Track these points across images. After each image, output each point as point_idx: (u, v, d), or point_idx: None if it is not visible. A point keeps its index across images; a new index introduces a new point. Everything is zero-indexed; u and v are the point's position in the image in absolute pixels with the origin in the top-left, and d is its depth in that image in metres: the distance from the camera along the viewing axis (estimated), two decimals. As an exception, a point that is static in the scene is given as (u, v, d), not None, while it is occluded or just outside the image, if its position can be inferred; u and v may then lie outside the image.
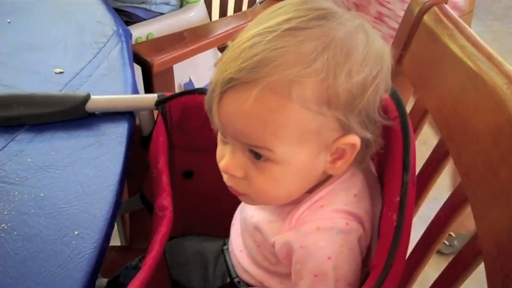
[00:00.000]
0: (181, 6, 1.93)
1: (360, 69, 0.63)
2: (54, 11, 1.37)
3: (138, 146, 0.98)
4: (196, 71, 1.87)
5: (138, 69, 1.44)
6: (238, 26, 1.64)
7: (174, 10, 1.89)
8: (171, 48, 1.49)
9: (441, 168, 0.80)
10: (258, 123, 0.62)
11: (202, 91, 0.92)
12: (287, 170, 0.66)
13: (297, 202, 0.70)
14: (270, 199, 0.71)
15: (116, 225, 1.27)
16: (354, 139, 0.65)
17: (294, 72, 0.60)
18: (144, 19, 1.82)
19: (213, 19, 2.01)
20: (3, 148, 0.88)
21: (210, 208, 1.02)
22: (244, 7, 1.92)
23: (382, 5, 1.68)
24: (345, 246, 0.67)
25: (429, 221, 0.79)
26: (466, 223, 0.88)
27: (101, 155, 0.88)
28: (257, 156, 0.65)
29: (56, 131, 0.92)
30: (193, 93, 0.93)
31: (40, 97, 0.95)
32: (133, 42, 1.52)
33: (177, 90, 1.66)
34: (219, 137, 0.71)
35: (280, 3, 0.67)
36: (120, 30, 1.25)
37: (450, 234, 1.82)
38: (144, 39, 1.71)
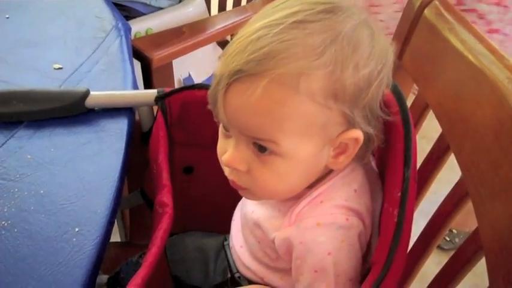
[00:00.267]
0: (180, 1, 1.92)
1: (366, 63, 0.63)
2: (52, 7, 1.36)
3: (138, 142, 0.98)
4: (195, 66, 1.87)
5: (137, 64, 1.43)
6: (237, 21, 1.64)
7: (173, 5, 1.88)
8: (170, 43, 1.48)
9: (442, 163, 0.80)
10: (265, 116, 0.62)
11: (202, 86, 0.91)
12: (291, 163, 0.65)
13: (297, 198, 0.70)
14: (272, 193, 0.70)
15: (116, 221, 1.28)
16: (358, 134, 0.65)
17: (302, 65, 0.60)
18: (144, 14, 1.81)
19: (212, 14, 2.00)
20: (2, 145, 0.88)
21: (211, 204, 1.02)
22: (244, 2, 1.92)
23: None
24: (345, 241, 0.67)
25: (429, 215, 0.79)
26: (467, 222, 0.88)
27: (101, 151, 0.87)
28: (261, 149, 0.65)
29: (56, 127, 0.92)
30: (193, 88, 0.93)
31: (39, 93, 0.95)
32: (132, 37, 1.51)
33: (176, 86, 1.66)
34: (221, 131, 0.70)
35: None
36: (119, 25, 1.25)
37: (451, 231, 1.83)
38: (143, 34, 1.70)
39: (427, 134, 0.80)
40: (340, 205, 0.68)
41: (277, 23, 0.61)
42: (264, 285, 0.78)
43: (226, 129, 0.68)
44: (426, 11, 0.85)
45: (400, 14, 0.92)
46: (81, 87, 0.96)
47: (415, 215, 0.81)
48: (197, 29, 1.60)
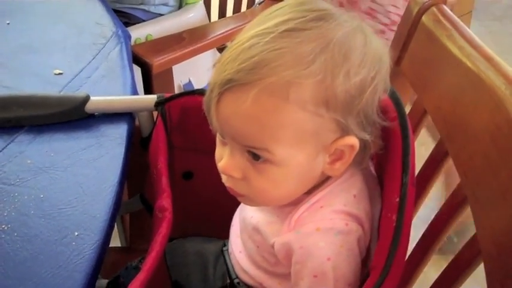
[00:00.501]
0: (180, 7, 1.93)
1: (358, 70, 0.63)
2: (53, 13, 1.37)
3: (138, 147, 0.99)
4: (195, 72, 1.87)
5: (137, 70, 1.44)
6: (237, 27, 1.64)
7: (173, 11, 1.89)
8: (170, 49, 1.49)
9: (440, 169, 0.80)
10: (256, 125, 0.62)
11: (201, 92, 0.92)
12: (286, 171, 0.66)
13: (296, 203, 0.70)
14: (269, 200, 0.71)
15: (116, 226, 1.28)
16: (353, 140, 0.66)
17: (292, 74, 0.60)
18: (144, 20, 1.82)
19: (212, 20, 2.01)
20: (3, 149, 0.88)
21: (210, 209, 1.02)
22: (243, 8, 1.93)
23: (373, 1, 1.69)
24: (344, 246, 0.67)
25: (429, 221, 0.79)
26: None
27: (101, 156, 0.88)
28: (256, 157, 0.65)
29: (56, 132, 0.92)
30: (192, 94, 0.93)
31: (39, 98, 0.95)
32: (132, 43, 1.52)
33: (176, 91, 1.66)
34: (218, 138, 0.71)
35: (279, 5, 0.67)
36: (119, 32, 1.25)
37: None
38: (143, 40, 1.71)
39: (427, 140, 0.81)
40: (339, 210, 0.68)
41: (268, 31, 0.62)
42: None
43: (221, 136, 0.69)
44: (424, 18, 0.85)
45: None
46: (81, 93, 0.97)
47: (415, 220, 0.81)
48: (197, 35, 1.61)
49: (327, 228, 0.67)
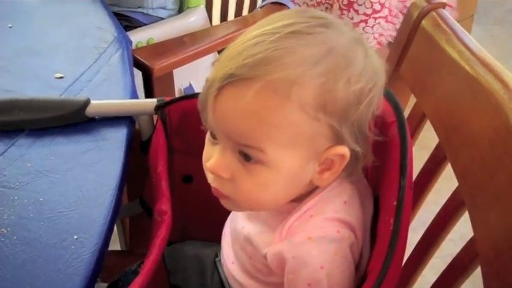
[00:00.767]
0: (180, 11, 1.93)
1: (358, 79, 0.64)
2: (55, 16, 1.37)
3: (138, 150, 0.99)
4: (196, 75, 1.87)
5: (138, 74, 1.44)
6: (238, 31, 1.65)
7: (172, 14, 1.89)
8: (171, 53, 1.49)
9: (439, 173, 0.80)
10: (254, 121, 0.62)
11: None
12: (275, 174, 0.65)
13: (286, 212, 0.70)
14: (254, 203, 0.69)
15: (116, 229, 1.28)
16: (344, 150, 0.65)
17: (296, 73, 0.60)
18: (144, 23, 1.82)
19: (213, 24, 2.01)
20: (3, 153, 0.88)
21: (210, 213, 1.02)
22: (245, 12, 1.93)
23: None
24: (338, 254, 0.67)
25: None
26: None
27: (101, 160, 0.88)
28: (247, 157, 0.65)
29: (56, 135, 0.93)
30: (192, 97, 0.93)
31: (40, 102, 0.96)
32: (133, 47, 1.52)
33: (177, 95, 1.66)
34: (208, 138, 0.70)
35: (281, 11, 0.67)
36: (121, 37, 1.25)
37: None
38: (144, 44, 1.71)
39: (429, 144, 0.81)
40: (330, 218, 0.68)
41: (274, 31, 0.62)
42: None
43: (213, 135, 0.68)
44: (424, 22, 0.86)
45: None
46: (81, 96, 0.97)
47: (414, 224, 0.82)
48: (198, 39, 1.61)
49: (319, 236, 0.67)
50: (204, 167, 0.71)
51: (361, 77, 0.64)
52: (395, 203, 0.65)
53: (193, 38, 1.61)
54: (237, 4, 1.91)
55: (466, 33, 0.79)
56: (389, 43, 1.98)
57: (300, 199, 0.70)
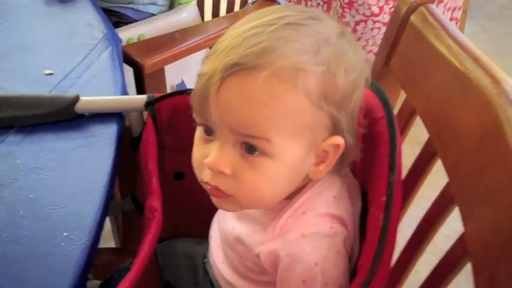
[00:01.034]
0: (171, 7, 1.93)
1: (353, 69, 0.65)
2: (44, 13, 1.37)
3: (130, 147, 0.98)
4: (188, 72, 1.87)
5: (130, 70, 1.44)
6: (229, 27, 1.64)
7: (162, 10, 1.89)
8: (162, 49, 1.49)
9: (429, 168, 0.80)
10: (262, 110, 0.61)
11: (191, 92, 0.91)
12: (280, 165, 0.65)
13: (278, 210, 0.70)
14: (257, 199, 0.68)
15: (111, 227, 1.28)
16: (340, 140, 0.66)
17: (301, 60, 0.61)
18: (135, 19, 1.82)
19: (205, 20, 2.01)
20: (-8, 150, 0.88)
21: (202, 209, 1.01)
22: (237, 8, 1.93)
23: None
24: (331, 249, 0.67)
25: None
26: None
27: (90, 157, 0.88)
28: (251, 150, 0.63)
29: (46, 132, 0.92)
30: (183, 93, 0.92)
31: (29, 98, 0.95)
32: (124, 43, 1.52)
33: (169, 91, 1.66)
34: (199, 137, 0.69)
35: (269, 7, 0.68)
36: (110, 34, 1.25)
37: None
38: (135, 40, 1.71)
39: (422, 140, 0.81)
40: (323, 213, 0.68)
41: (270, 23, 0.62)
42: None
43: (208, 132, 0.66)
44: (413, 17, 0.86)
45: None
46: (71, 93, 0.96)
47: (406, 220, 0.82)
48: (189, 35, 1.61)
49: (312, 233, 0.67)
50: (194, 167, 0.70)
51: (355, 67, 0.65)
52: (384, 198, 0.65)
53: (185, 34, 1.61)
54: (228, 0, 1.91)
55: (455, 27, 0.79)
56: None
57: (290, 197, 0.70)
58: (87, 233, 0.74)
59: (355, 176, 0.77)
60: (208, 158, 0.65)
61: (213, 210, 0.85)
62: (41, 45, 1.21)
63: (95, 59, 1.14)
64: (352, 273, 0.69)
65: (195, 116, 0.68)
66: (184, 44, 1.54)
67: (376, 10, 1.81)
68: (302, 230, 0.67)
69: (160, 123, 0.94)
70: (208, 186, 0.68)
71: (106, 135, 0.92)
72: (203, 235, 0.95)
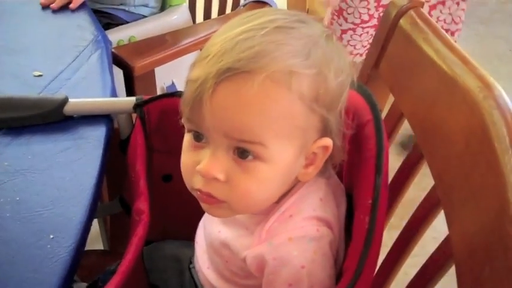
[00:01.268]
0: (163, 9, 1.93)
1: (341, 70, 0.66)
2: (34, 15, 1.37)
3: (118, 149, 0.98)
4: (179, 74, 1.86)
5: (120, 72, 1.43)
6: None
7: (154, 12, 1.89)
8: (153, 51, 1.48)
9: (416, 171, 0.80)
10: (257, 115, 0.61)
11: (181, 94, 0.90)
12: (274, 169, 0.64)
13: (265, 214, 0.70)
14: (251, 203, 0.67)
15: (99, 229, 1.28)
16: (329, 142, 0.67)
17: (294, 64, 0.61)
18: (126, 21, 1.82)
19: (197, 22, 2.01)
20: (-20, 152, 0.88)
21: (190, 211, 1.01)
22: (228, 10, 1.93)
23: (344, 1, 1.75)
24: (318, 252, 0.67)
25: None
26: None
27: (78, 159, 0.88)
28: (244, 155, 0.63)
29: (34, 134, 0.92)
30: (172, 96, 0.92)
31: (18, 100, 0.95)
32: (115, 45, 1.52)
33: (159, 93, 1.65)
34: (188, 143, 0.68)
35: (256, 10, 0.68)
36: (100, 36, 1.25)
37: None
38: (126, 42, 1.70)
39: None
40: (309, 217, 0.68)
41: (260, 27, 0.62)
42: None
43: (198, 138, 0.66)
44: (402, 21, 0.86)
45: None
46: (59, 95, 0.96)
47: (393, 222, 0.82)
48: (180, 37, 1.60)
49: (299, 236, 0.67)
50: (183, 174, 0.69)
51: (343, 69, 0.66)
52: (370, 201, 0.65)
53: (176, 36, 1.60)
54: (220, 2, 1.91)
55: (444, 31, 0.79)
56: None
57: (277, 200, 0.70)
58: (73, 235, 0.74)
59: (341, 179, 0.77)
60: (201, 165, 0.64)
61: (201, 212, 0.85)
62: (31, 46, 1.20)
63: (84, 61, 1.13)
64: (338, 275, 0.69)
65: (184, 122, 0.68)
66: (175, 46, 1.54)
67: (366, 18, 1.81)
68: (289, 234, 0.67)
69: (149, 125, 0.94)
70: (199, 193, 0.67)
71: (94, 138, 0.92)
72: (191, 237, 0.95)
